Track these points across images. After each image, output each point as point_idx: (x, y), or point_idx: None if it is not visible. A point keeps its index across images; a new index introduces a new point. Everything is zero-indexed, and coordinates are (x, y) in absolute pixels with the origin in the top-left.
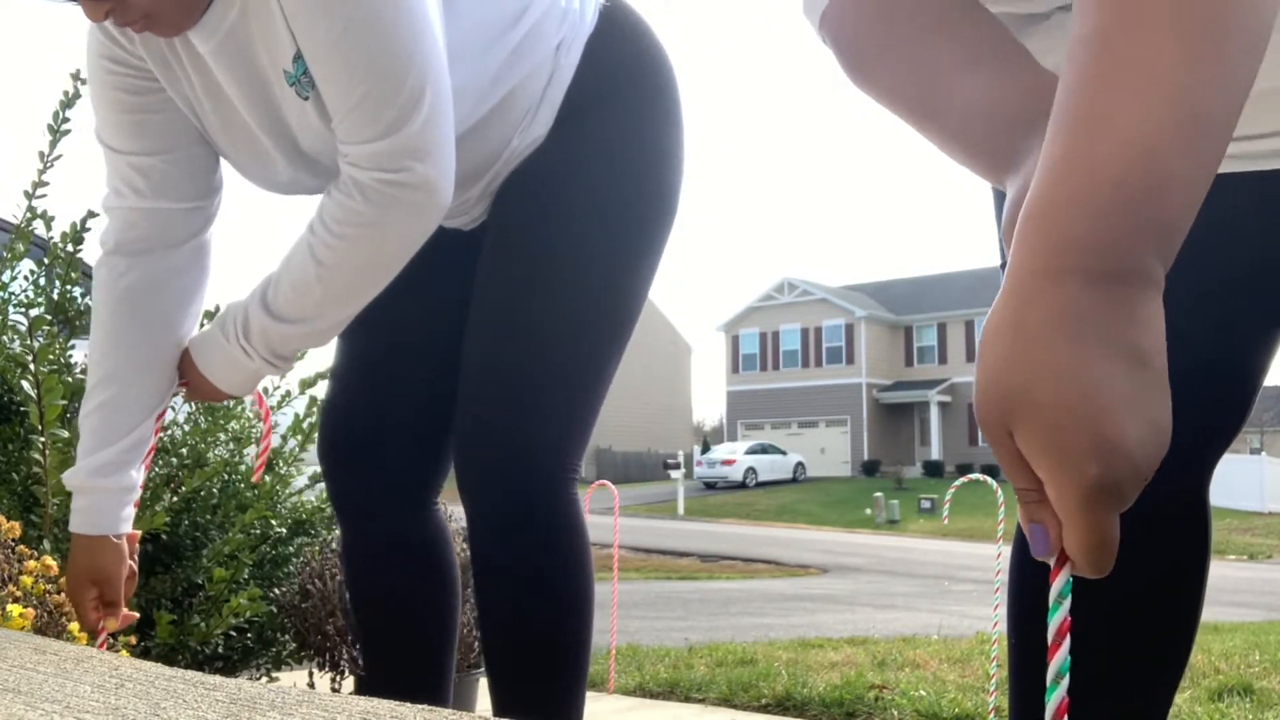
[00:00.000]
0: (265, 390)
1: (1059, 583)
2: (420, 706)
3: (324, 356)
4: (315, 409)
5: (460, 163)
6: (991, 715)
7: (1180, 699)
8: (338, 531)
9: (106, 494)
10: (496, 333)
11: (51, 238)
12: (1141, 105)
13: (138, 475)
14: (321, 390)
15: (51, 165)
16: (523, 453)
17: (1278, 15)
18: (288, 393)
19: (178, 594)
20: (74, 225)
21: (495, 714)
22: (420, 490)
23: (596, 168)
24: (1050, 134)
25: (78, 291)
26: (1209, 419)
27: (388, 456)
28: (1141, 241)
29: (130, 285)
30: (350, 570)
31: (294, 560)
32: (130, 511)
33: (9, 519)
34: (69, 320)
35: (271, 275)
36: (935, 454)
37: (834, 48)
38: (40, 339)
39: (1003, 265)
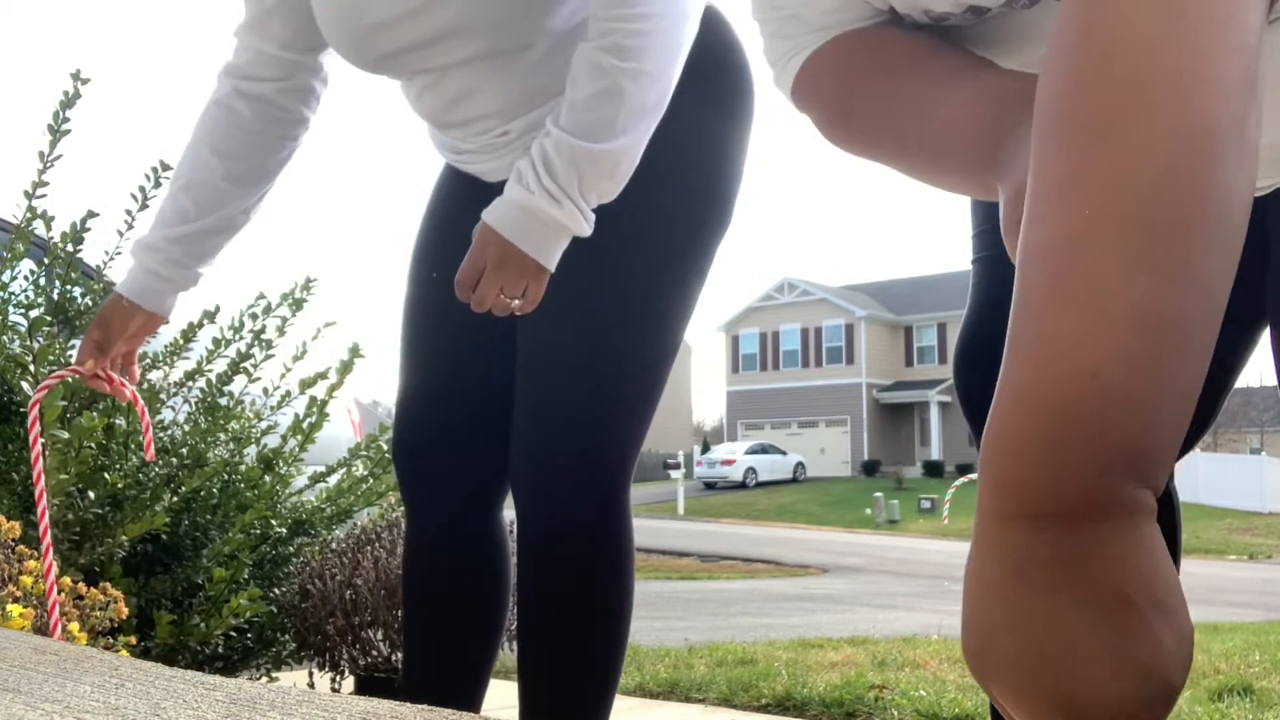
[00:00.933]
0: (265, 390)
1: None
2: (420, 706)
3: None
4: (315, 409)
5: (529, 78)
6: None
7: (1180, 699)
8: (338, 531)
9: (171, 265)
10: (560, 333)
11: (51, 238)
12: (1083, 325)
13: (197, 275)
14: (321, 390)
15: (51, 165)
16: (590, 456)
17: (1248, 190)
18: (288, 392)
19: (178, 594)
20: (74, 225)
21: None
22: (489, 491)
23: (658, 165)
24: (1003, 362)
25: (78, 291)
26: None
27: (459, 453)
28: (1098, 473)
29: (238, 96)
30: (412, 564)
31: (294, 560)
32: (173, 303)
33: (9, 519)
34: (69, 320)
35: (552, 112)
36: (935, 454)
37: (808, 113)
38: (40, 339)
39: (974, 260)
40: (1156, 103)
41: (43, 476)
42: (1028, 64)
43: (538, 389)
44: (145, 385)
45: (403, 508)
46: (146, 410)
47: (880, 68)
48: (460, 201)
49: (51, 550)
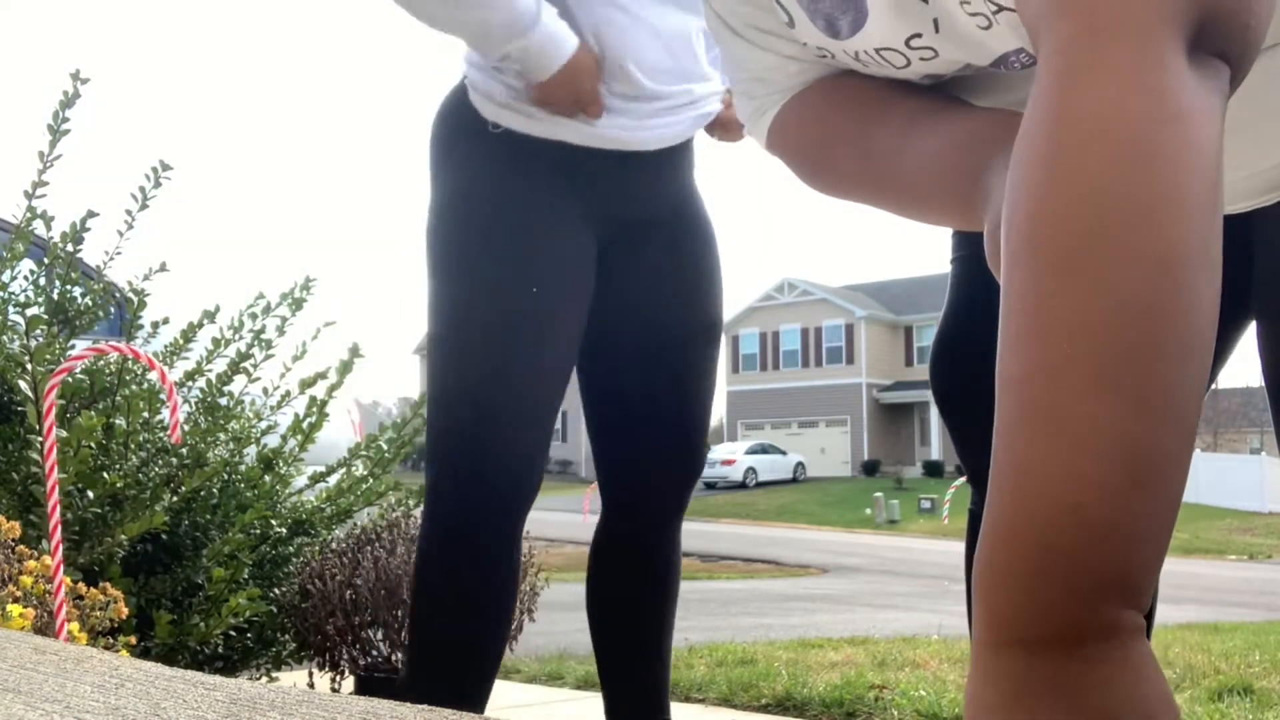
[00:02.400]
0: (265, 390)
1: None
2: (420, 707)
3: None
4: (315, 409)
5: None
6: None
7: (1180, 699)
8: (338, 531)
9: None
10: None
11: (51, 238)
12: (1061, 457)
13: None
14: (321, 390)
15: (51, 165)
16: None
17: (1216, 304)
18: (288, 392)
19: (178, 594)
20: (74, 225)
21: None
22: (529, 498)
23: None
24: (989, 490)
25: (77, 291)
26: None
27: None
28: (1084, 601)
29: None
30: (453, 565)
31: (294, 560)
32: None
33: (9, 519)
34: (69, 320)
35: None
36: (935, 454)
37: (784, 158)
38: (39, 339)
39: (952, 260)
40: (1123, 232)
41: (55, 469)
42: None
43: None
44: (145, 385)
45: (402, 508)
46: (176, 392)
47: (852, 113)
48: (560, 214)
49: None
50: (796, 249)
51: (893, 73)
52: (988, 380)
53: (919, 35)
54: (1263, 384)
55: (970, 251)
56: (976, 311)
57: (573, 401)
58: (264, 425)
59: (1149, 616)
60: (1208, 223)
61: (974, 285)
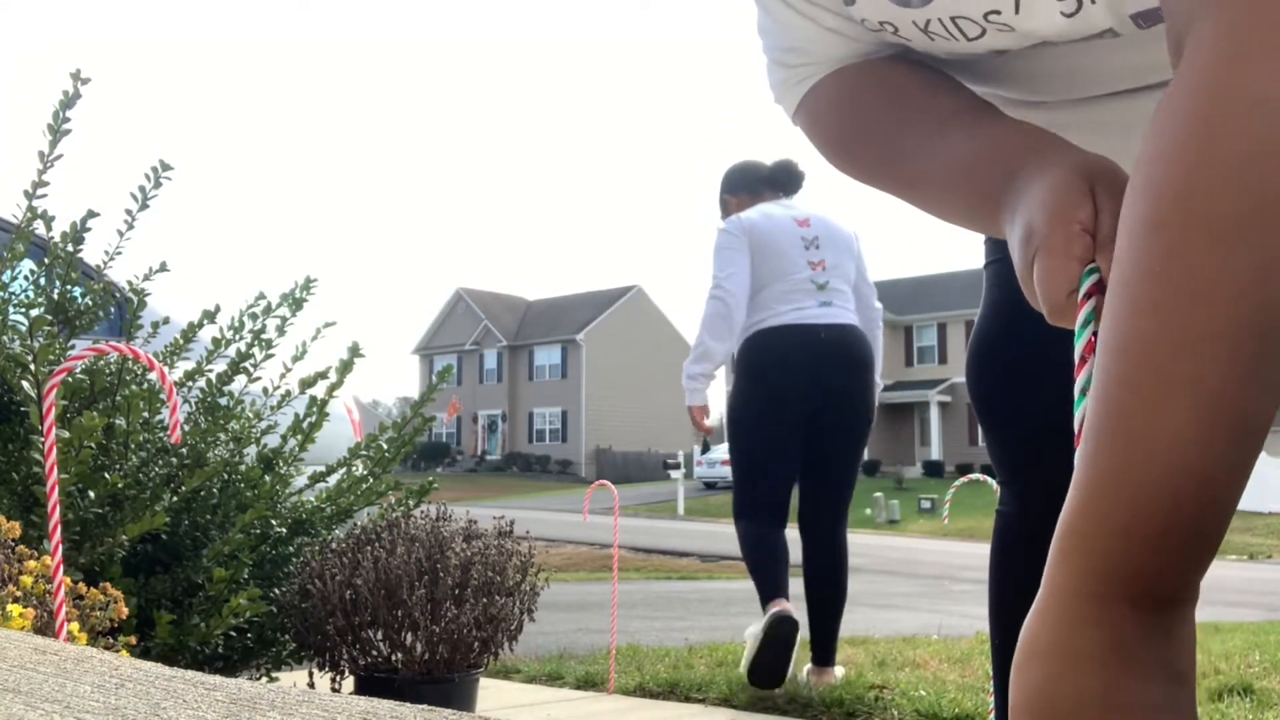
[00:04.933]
0: (265, 390)
1: (1084, 312)
2: (420, 707)
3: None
4: (315, 409)
5: None
6: (992, 715)
7: None
8: (338, 531)
9: None
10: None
11: (51, 238)
12: (1193, 426)
13: None
14: (321, 390)
15: (51, 165)
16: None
17: None
18: (288, 392)
19: (178, 594)
20: (74, 225)
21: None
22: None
23: None
24: (1091, 446)
25: (78, 291)
26: None
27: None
28: (1189, 564)
29: None
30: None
31: (294, 560)
32: None
33: (9, 519)
34: (69, 320)
35: None
36: (935, 454)
37: (810, 136)
38: (40, 339)
39: (989, 263)
40: None
41: (55, 469)
42: (1028, 93)
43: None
44: (145, 385)
45: (402, 508)
46: (176, 392)
47: (885, 106)
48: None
49: (60, 546)
50: None
51: (962, 45)
52: (1025, 382)
53: (998, 12)
54: None
55: (1006, 255)
56: (1014, 314)
57: (574, 402)
58: (264, 425)
59: None
60: None
61: (1012, 289)
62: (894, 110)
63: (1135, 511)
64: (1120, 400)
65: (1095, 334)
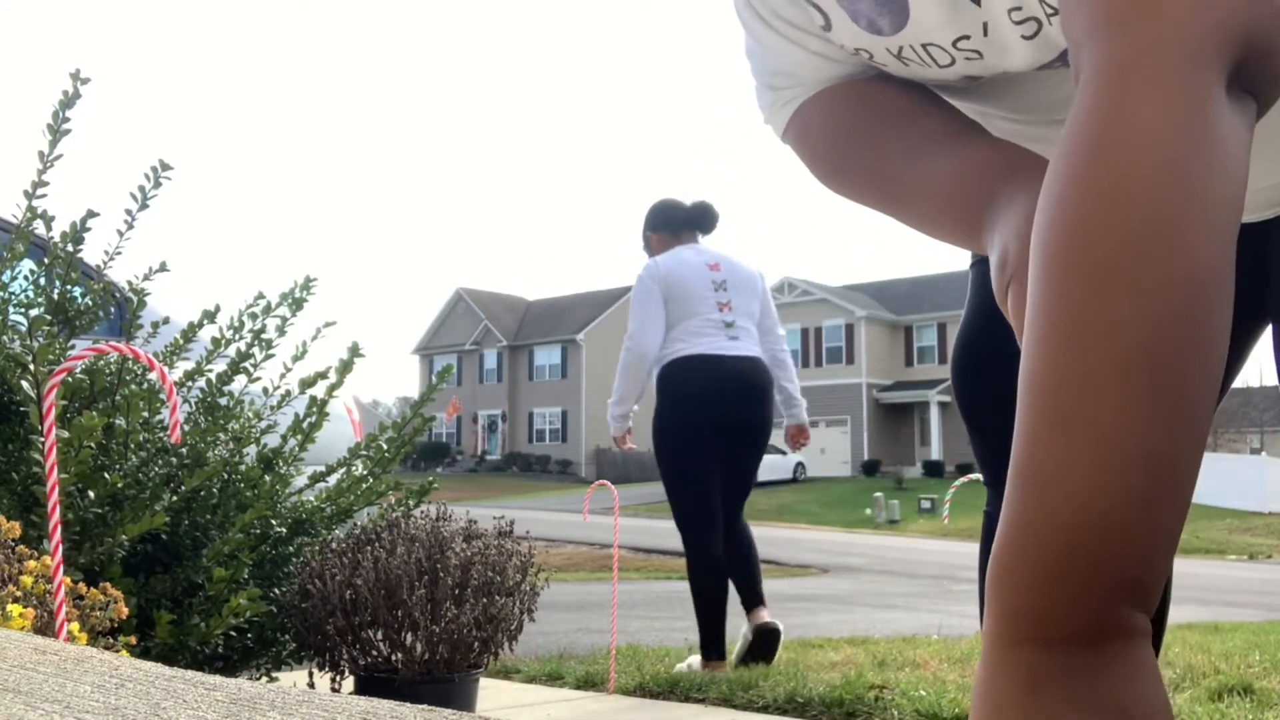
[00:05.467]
0: (265, 390)
1: None
2: (420, 706)
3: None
4: (315, 409)
5: None
6: None
7: (1180, 699)
8: (338, 531)
9: None
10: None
11: (51, 238)
12: (1093, 466)
13: None
14: (321, 390)
15: (51, 165)
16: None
17: (1229, 321)
18: (288, 392)
19: (178, 594)
20: (74, 225)
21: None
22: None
23: None
24: (1009, 490)
25: (77, 291)
26: None
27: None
28: (1104, 602)
29: None
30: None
31: (294, 560)
32: None
33: (9, 519)
34: (69, 320)
35: None
36: (935, 454)
37: (799, 154)
38: (40, 339)
39: (973, 264)
40: (1163, 253)
41: (55, 469)
42: (1013, 110)
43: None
44: (145, 385)
45: (402, 508)
46: (176, 392)
47: (870, 124)
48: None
49: (60, 546)
50: (796, 249)
51: (934, 71)
52: (1010, 384)
53: (967, 38)
54: (1263, 384)
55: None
56: (998, 317)
57: (574, 402)
58: (264, 425)
59: (1160, 620)
60: (1230, 245)
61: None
62: (880, 129)
63: (1035, 552)
64: (1022, 444)
65: None
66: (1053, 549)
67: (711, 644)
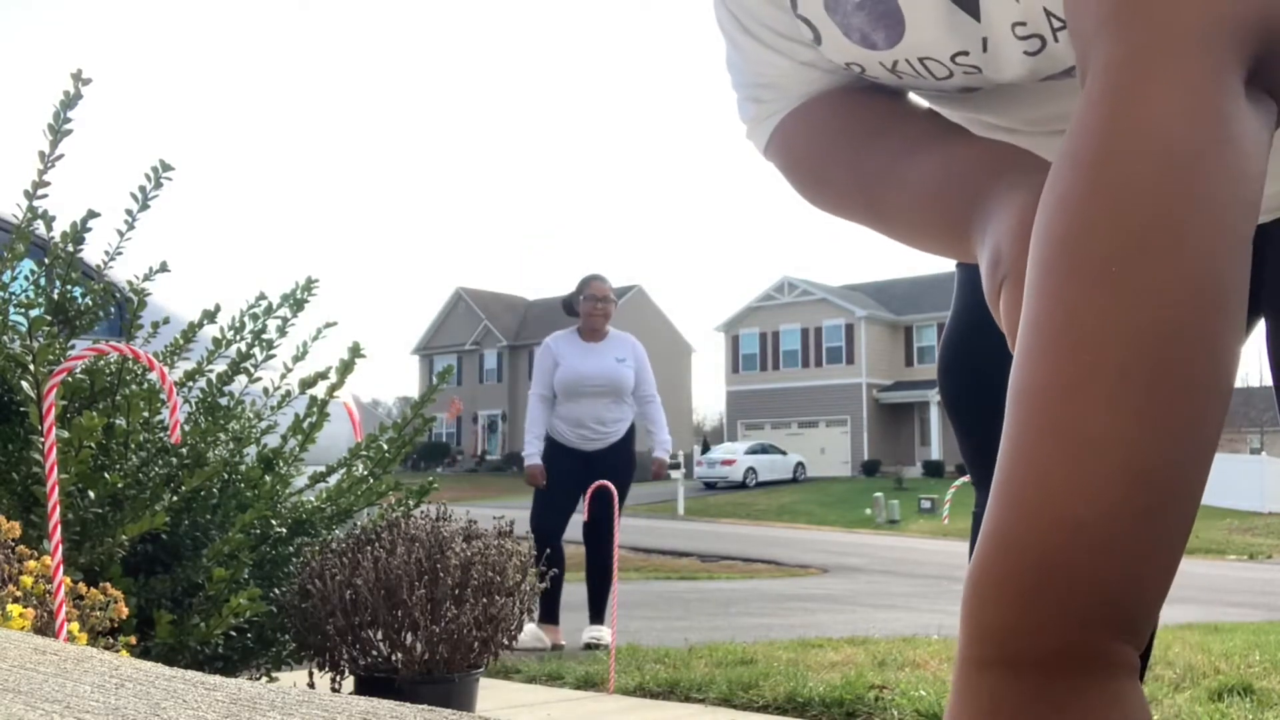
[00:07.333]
0: (266, 390)
1: None
2: (420, 707)
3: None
4: (315, 409)
5: None
6: None
7: (1180, 699)
8: (338, 531)
9: None
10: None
11: (51, 238)
12: (1071, 474)
13: None
14: (321, 390)
15: (52, 165)
16: None
17: (1241, 335)
18: (288, 392)
19: (178, 594)
20: (74, 225)
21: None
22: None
23: None
24: (990, 499)
25: (78, 291)
26: None
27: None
28: (1080, 624)
29: None
30: None
31: (294, 560)
32: None
33: (9, 519)
34: (69, 320)
35: None
36: (935, 454)
37: (781, 169)
38: (40, 339)
39: (959, 264)
40: (1165, 256)
41: (55, 469)
42: (1012, 120)
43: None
44: (145, 385)
45: (402, 508)
46: (176, 392)
47: (850, 131)
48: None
49: (60, 546)
50: (796, 249)
51: (931, 83)
52: (996, 384)
53: (966, 53)
54: (1263, 384)
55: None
56: (984, 317)
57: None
58: (264, 425)
59: (1145, 655)
60: (1243, 250)
61: (981, 290)
62: (858, 138)
63: (1006, 566)
64: (1004, 450)
65: None
66: (1021, 560)
67: None
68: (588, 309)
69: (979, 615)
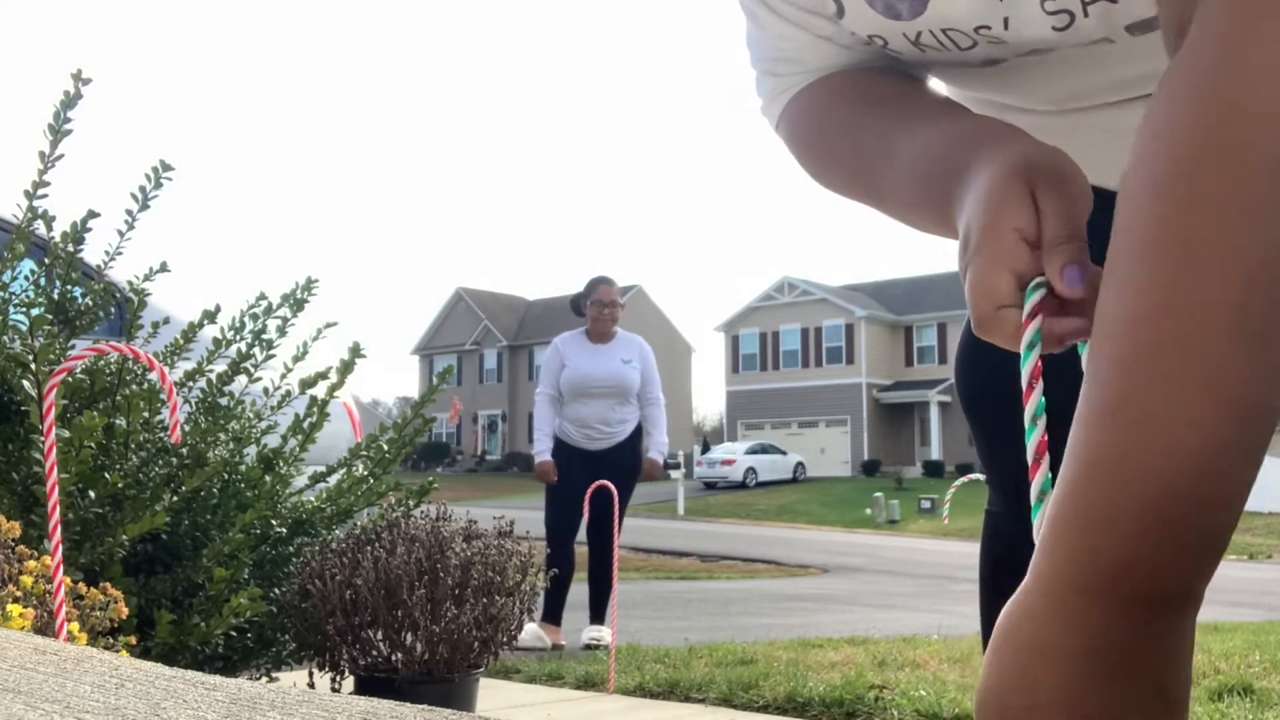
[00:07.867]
0: (266, 390)
1: (1029, 333)
2: (420, 707)
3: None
4: (315, 409)
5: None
6: None
7: None
8: (338, 531)
9: None
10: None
11: (52, 238)
12: (1198, 408)
13: None
14: (321, 390)
15: (52, 165)
16: None
17: None
18: (288, 392)
19: (178, 594)
20: (74, 225)
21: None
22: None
23: None
24: (1084, 427)
25: (78, 291)
26: None
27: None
28: (1187, 560)
29: None
30: None
31: (294, 560)
32: None
33: (9, 519)
34: (69, 320)
35: None
36: (935, 454)
37: (790, 147)
38: (40, 339)
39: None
40: None
41: (55, 469)
42: (1033, 100)
43: None
44: (145, 385)
45: (402, 508)
46: (176, 392)
47: (854, 107)
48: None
49: (60, 546)
50: (796, 249)
51: (954, 54)
52: (1012, 381)
53: (988, 27)
54: None
55: None
56: None
57: None
58: (264, 425)
59: None
60: None
61: None
62: (864, 116)
63: (1128, 498)
64: (1113, 381)
65: (1043, 357)
66: (1146, 494)
67: None
68: (595, 314)
69: (1093, 542)
